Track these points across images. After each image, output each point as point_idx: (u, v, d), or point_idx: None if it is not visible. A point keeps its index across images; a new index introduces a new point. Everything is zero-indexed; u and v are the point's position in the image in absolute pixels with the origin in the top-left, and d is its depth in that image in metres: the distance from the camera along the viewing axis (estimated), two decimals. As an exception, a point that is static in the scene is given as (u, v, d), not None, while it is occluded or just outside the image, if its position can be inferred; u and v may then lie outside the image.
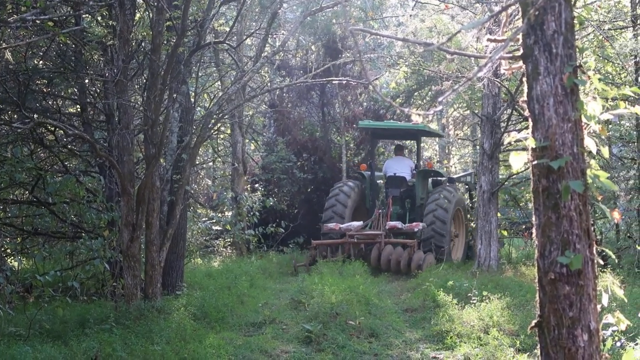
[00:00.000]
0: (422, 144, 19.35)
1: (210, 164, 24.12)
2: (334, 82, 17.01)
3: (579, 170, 3.67)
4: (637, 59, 13.59)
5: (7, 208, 11.77)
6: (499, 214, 15.21)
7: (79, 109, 12.21)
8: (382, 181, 17.56)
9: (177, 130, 11.39)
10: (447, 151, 31.02)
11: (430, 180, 17.69)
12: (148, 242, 9.90)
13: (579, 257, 3.61)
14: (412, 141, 21.80)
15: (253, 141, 22.54)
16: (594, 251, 3.73)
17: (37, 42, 10.61)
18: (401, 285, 13.27)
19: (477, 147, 19.95)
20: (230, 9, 18.20)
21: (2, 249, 11.09)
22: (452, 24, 14.31)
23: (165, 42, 10.08)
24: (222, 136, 21.25)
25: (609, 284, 4.21)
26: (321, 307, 9.94)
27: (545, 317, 3.71)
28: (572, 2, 3.77)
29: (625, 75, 14.50)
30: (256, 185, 20.07)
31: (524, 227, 18.23)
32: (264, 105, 22.21)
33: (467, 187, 19.68)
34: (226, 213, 18.67)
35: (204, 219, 17.13)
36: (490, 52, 3.96)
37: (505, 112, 14.76)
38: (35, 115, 10.69)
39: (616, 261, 13.55)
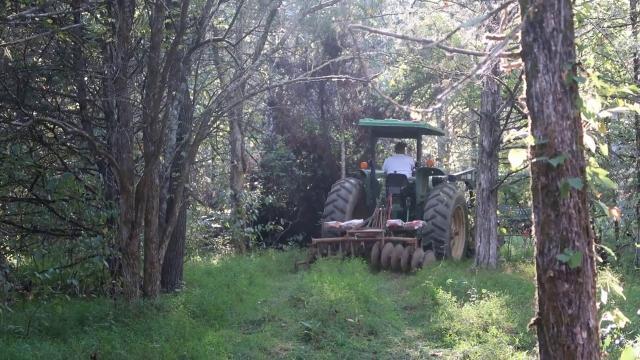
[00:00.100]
0: (422, 142, 19.35)
1: (210, 161, 24.11)
2: (333, 79, 16.97)
3: (578, 167, 3.67)
4: (637, 56, 13.59)
5: (6, 205, 11.77)
6: (498, 212, 15.21)
7: (78, 107, 12.20)
8: (382, 179, 17.56)
9: (176, 128, 11.38)
10: (446, 149, 31.01)
11: (430, 178, 17.69)
12: (147, 239, 9.90)
13: (578, 255, 3.61)
14: (412, 139, 21.82)
15: (252, 139, 22.53)
16: (593, 249, 3.73)
17: (36, 40, 10.61)
18: (400, 283, 13.27)
19: (477, 144, 19.94)
20: (230, 7, 18.18)
21: (1, 247, 11.09)
22: (452, 21, 14.31)
23: (164, 39, 10.07)
24: (221, 134, 21.24)
25: (608, 282, 4.21)
26: (320, 304, 9.94)
27: (545, 315, 3.71)
28: (572, 0, 3.77)
29: (625, 73, 14.50)
30: (255, 182, 20.07)
31: (523, 224, 18.24)
32: (263, 103, 22.20)
33: (467, 185, 19.67)
34: (225, 211, 18.65)
35: (203, 217, 17.12)
36: (490, 50, 3.96)
37: (504, 109, 14.76)
38: (34, 113, 10.67)
39: (615, 259, 13.55)
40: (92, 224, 10.73)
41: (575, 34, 3.82)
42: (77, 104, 12.44)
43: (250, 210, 17.75)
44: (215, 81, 18.78)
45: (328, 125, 21.77)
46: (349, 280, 11.56)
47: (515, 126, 15.13)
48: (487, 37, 4.04)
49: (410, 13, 15.49)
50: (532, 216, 3.80)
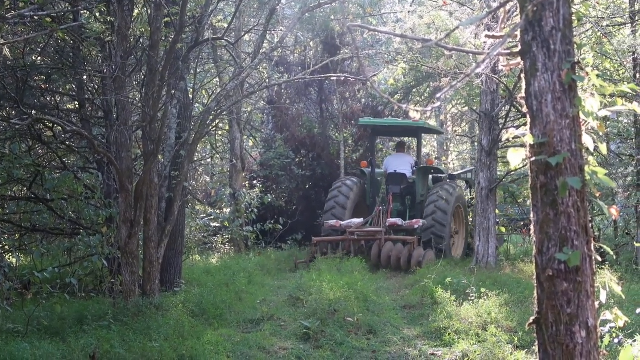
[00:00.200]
0: (421, 141, 19.36)
1: (209, 160, 24.11)
2: (332, 78, 16.98)
3: (577, 166, 3.67)
4: (636, 55, 13.59)
5: (5, 204, 11.75)
6: (497, 211, 15.22)
7: (77, 106, 12.19)
8: (382, 178, 17.56)
9: (175, 127, 11.37)
10: (445, 148, 31.02)
11: (430, 177, 17.71)
12: (146, 238, 9.90)
13: (577, 254, 3.61)
14: (412, 138, 21.82)
15: (251, 138, 22.52)
16: (592, 248, 3.73)
17: (35, 39, 10.59)
18: (399, 282, 13.27)
19: (476, 143, 19.94)
20: (229, 5, 18.16)
21: (0, 246, 11.07)
22: (451, 20, 14.31)
23: (163, 38, 10.07)
24: (220, 133, 21.23)
25: (607, 281, 4.21)
26: (319, 303, 9.94)
27: (543, 314, 3.71)
28: (571, -1, 3.77)
29: (624, 72, 14.50)
30: (254, 181, 20.07)
31: (522, 223, 18.24)
32: (262, 102, 22.20)
33: (467, 184, 19.67)
34: (224, 210, 18.64)
35: (202, 216, 17.11)
36: (489, 49, 3.96)
37: (503, 108, 14.76)
38: (33, 112, 10.66)
39: (614, 258, 13.56)
40: (91, 223, 10.72)
41: (574, 33, 3.82)
42: (76, 102, 12.43)
43: (250, 209, 17.75)
44: (215, 80, 18.77)
45: (327, 124, 21.78)
46: (348, 279, 11.56)
47: (515, 125, 15.15)
48: (486, 36, 4.03)
49: (409, 12, 15.48)
50: (531, 215, 3.80)
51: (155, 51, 9.48)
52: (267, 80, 17.91)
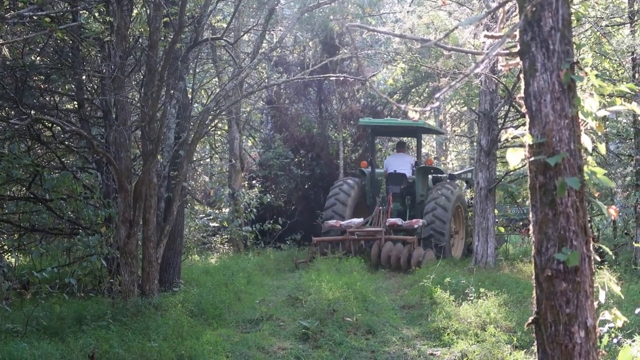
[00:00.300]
0: (421, 141, 19.36)
1: (208, 160, 24.11)
2: (331, 78, 16.98)
3: (575, 166, 3.67)
4: (634, 55, 13.58)
5: (4, 204, 11.75)
6: (496, 211, 15.22)
7: (76, 105, 12.18)
8: (382, 178, 17.57)
9: (174, 127, 11.37)
10: (444, 148, 31.03)
11: (430, 177, 17.71)
12: (145, 238, 9.89)
13: (576, 254, 3.61)
14: (411, 138, 21.82)
15: (250, 138, 22.52)
16: (591, 248, 3.73)
17: (34, 38, 10.58)
18: (398, 282, 13.27)
19: (475, 143, 19.94)
20: (228, 5, 18.16)
21: (-1, 246, 11.08)
22: (450, 20, 14.31)
23: (162, 38, 10.06)
24: (219, 132, 21.24)
25: (606, 281, 4.21)
26: (318, 303, 9.94)
27: (542, 314, 3.71)
28: (570, -1, 3.77)
29: (623, 72, 14.50)
30: (253, 181, 20.07)
31: (521, 223, 18.23)
32: (261, 102, 22.20)
33: (467, 183, 19.67)
34: (223, 210, 18.64)
35: (201, 216, 17.11)
36: (488, 49, 3.96)
37: (502, 108, 14.76)
38: (32, 112, 10.66)
39: (613, 258, 13.55)
40: (90, 223, 10.71)
41: (573, 33, 3.82)
42: (75, 102, 12.42)
43: (249, 209, 17.74)
44: (214, 80, 18.77)
45: (326, 124, 21.77)
46: (347, 279, 11.56)
47: (513, 125, 15.13)
48: (485, 36, 4.03)
49: (408, 12, 15.47)
50: (530, 215, 3.80)
51: (154, 51, 9.48)
52: (266, 80, 17.91)
